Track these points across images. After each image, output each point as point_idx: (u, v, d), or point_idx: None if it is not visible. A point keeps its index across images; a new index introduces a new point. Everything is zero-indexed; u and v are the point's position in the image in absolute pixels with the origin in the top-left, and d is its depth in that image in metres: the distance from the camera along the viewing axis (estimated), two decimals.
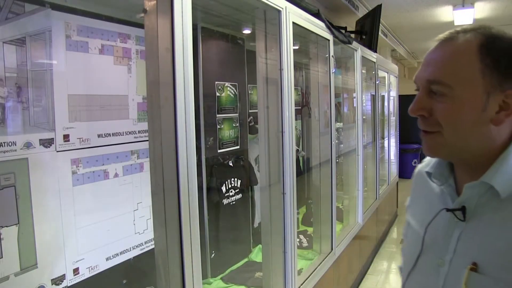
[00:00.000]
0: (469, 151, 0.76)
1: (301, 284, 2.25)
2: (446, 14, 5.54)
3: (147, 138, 1.83)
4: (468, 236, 0.76)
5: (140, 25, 1.41)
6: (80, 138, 1.63)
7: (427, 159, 0.94)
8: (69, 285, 1.61)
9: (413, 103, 0.76)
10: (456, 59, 0.73)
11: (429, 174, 0.86)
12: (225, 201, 2.68)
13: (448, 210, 0.78)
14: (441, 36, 0.77)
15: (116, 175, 1.81)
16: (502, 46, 0.72)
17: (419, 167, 0.98)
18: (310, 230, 3.37)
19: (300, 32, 2.32)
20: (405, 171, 8.31)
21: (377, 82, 4.45)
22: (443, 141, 0.75)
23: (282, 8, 1.97)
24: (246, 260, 2.85)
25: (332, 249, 2.83)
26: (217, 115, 2.57)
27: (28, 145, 1.43)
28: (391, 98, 5.73)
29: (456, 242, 0.77)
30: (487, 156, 0.75)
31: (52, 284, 1.54)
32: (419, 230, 0.86)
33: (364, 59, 3.75)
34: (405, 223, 1.12)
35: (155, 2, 1.18)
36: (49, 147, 1.51)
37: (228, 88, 2.67)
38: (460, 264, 0.75)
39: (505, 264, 0.69)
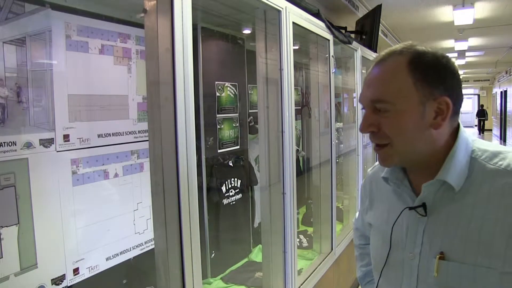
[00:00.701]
0: (417, 155, 0.85)
1: (301, 284, 2.25)
2: (446, 14, 5.54)
3: (147, 138, 1.83)
4: (431, 229, 0.85)
5: (140, 25, 1.41)
6: (80, 138, 1.63)
7: (377, 164, 1.03)
8: (69, 285, 1.61)
9: (362, 121, 0.85)
10: (391, 78, 0.83)
11: (385, 179, 0.95)
12: (225, 201, 2.68)
13: (410, 208, 0.87)
14: (377, 58, 0.88)
15: (116, 175, 1.81)
16: (426, 60, 0.82)
17: (372, 172, 1.08)
18: (310, 230, 3.37)
19: (300, 32, 2.32)
20: None
21: None
22: (394, 151, 0.84)
23: (282, 8, 1.97)
24: (246, 260, 2.85)
25: (332, 249, 2.83)
26: (217, 115, 2.57)
27: (28, 145, 1.43)
28: None
29: (422, 235, 0.86)
30: (434, 156, 0.85)
31: (52, 284, 1.54)
32: (385, 230, 0.94)
33: (364, 59, 3.75)
34: (357, 222, 1.21)
35: (155, 2, 1.18)
36: (49, 147, 1.51)
37: (228, 88, 2.67)
38: (428, 254, 0.84)
39: (467, 249, 0.79)
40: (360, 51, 3.58)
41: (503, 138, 15.21)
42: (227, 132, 2.66)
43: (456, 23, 5.59)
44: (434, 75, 0.82)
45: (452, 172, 0.82)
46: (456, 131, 0.87)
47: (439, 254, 0.82)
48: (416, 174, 0.90)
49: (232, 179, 2.74)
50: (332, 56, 2.78)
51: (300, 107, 3.95)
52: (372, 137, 0.86)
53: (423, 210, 0.85)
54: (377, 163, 1.04)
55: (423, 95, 0.81)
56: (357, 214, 1.21)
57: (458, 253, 0.80)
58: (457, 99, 0.84)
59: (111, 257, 1.80)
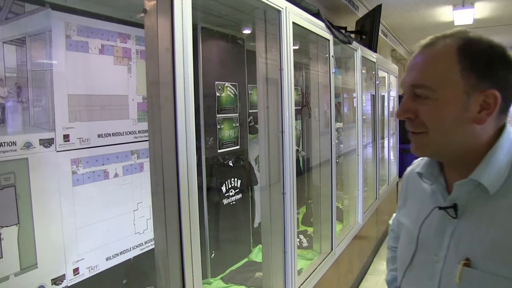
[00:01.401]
0: (454, 149, 0.79)
1: (301, 284, 2.25)
2: (446, 14, 5.55)
3: (147, 138, 1.83)
4: (460, 233, 0.79)
5: (140, 25, 1.41)
6: (80, 138, 1.63)
7: (417, 160, 0.98)
8: (69, 285, 1.61)
9: (399, 106, 0.81)
10: (437, 62, 0.77)
11: (420, 174, 0.90)
12: (225, 201, 2.68)
13: (440, 208, 0.82)
14: (423, 41, 0.82)
15: (116, 175, 1.81)
16: (478, 49, 0.76)
17: (410, 168, 1.02)
18: (310, 230, 3.37)
19: (300, 32, 2.32)
20: (405, 171, 8.29)
21: (377, 82, 4.45)
22: (429, 140, 0.79)
23: (282, 8, 1.97)
24: (246, 260, 2.85)
25: (332, 249, 2.83)
26: (217, 115, 2.57)
27: (28, 145, 1.43)
28: (391, 98, 5.73)
29: (449, 238, 0.80)
30: (474, 154, 0.78)
31: (52, 284, 1.54)
32: (413, 229, 0.89)
33: (364, 59, 3.75)
34: (393, 223, 1.17)
35: (155, 2, 1.18)
36: (49, 147, 1.51)
37: (228, 88, 2.67)
38: (453, 259, 0.78)
39: (494, 258, 0.73)
40: (360, 51, 3.58)
41: None
42: (227, 132, 2.66)
43: (456, 23, 5.58)
44: (484, 65, 0.75)
45: (488, 172, 0.76)
46: (501, 131, 0.79)
47: (464, 261, 0.76)
48: (452, 172, 0.84)
49: (232, 179, 2.74)
50: (332, 56, 2.78)
51: (300, 107, 3.95)
52: (408, 124, 0.81)
53: (454, 211, 0.80)
54: (417, 159, 0.99)
55: (469, 86, 0.74)
56: (394, 215, 1.16)
57: (484, 262, 0.74)
58: (509, 96, 0.76)
59: (111, 257, 1.80)
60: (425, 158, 0.91)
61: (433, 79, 0.76)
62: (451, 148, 0.79)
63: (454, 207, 0.80)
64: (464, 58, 0.75)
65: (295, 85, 2.37)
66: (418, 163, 0.96)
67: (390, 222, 1.19)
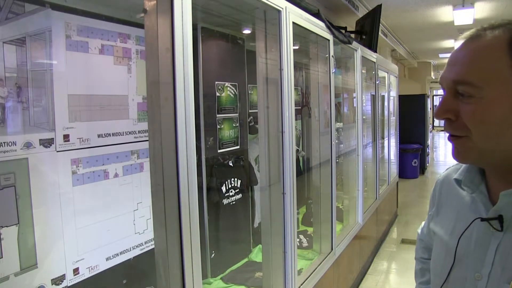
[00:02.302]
0: (501, 155, 0.71)
1: (301, 284, 2.25)
2: (446, 14, 5.54)
3: (147, 138, 1.83)
4: (507, 248, 0.71)
5: (140, 25, 1.41)
6: (80, 138, 1.63)
7: (454, 165, 0.91)
8: (69, 285, 1.61)
9: (439, 105, 0.72)
10: (484, 56, 0.68)
11: (458, 181, 0.81)
12: (225, 201, 2.68)
13: (482, 219, 0.74)
14: (467, 34, 0.72)
15: (116, 175, 1.81)
16: None
17: (445, 173, 0.94)
18: (310, 230, 3.37)
19: (300, 32, 2.32)
20: (405, 171, 8.32)
21: (377, 82, 4.45)
22: (472, 145, 0.70)
23: (282, 8, 1.97)
24: (246, 260, 2.85)
25: (332, 249, 2.83)
26: (217, 115, 2.57)
27: (28, 145, 1.43)
28: (391, 98, 5.73)
29: (493, 254, 0.73)
30: None
31: (52, 284, 1.54)
32: (449, 240, 0.82)
33: (364, 59, 3.75)
34: (422, 232, 1.07)
35: (155, 2, 1.18)
36: (49, 147, 1.51)
37: (228, 88, 2.67)
38: (500, 278, 0.71)
39: None
40: (360, 51, 3.58)
41: None
42: (227, 132, 2.66)
43: (456, 23, 5.58)
44: None
45: None
46: None
47: None
48: (496, 179, 0.76)
49: (232, 179, 2.74)
50: (332, 56, 2.78)
51: (300, 107, 3.95)
52: (448, 126, 0.72)
53: (499, 223, 0.72)
54: (453, 164, 0.91)
55: None
56: (423, 223, 1.07)
57: None
58: None
59: (111, 257, 1.80)
60: None
61: (479, 75, 0.67)
62: (497, 154, 0.70)
63: (499, 218, 0.72)
64: None
65: (295, 85, 2.37)
66: (455, 168, 0.89)
67: (419, 231, 1.10)
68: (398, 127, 6.29)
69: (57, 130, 1.54)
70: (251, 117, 2.94)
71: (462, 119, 0.69)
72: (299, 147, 3.87)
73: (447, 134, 0.75)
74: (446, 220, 0.86)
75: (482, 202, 0.77)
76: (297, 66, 3.64)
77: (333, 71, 2.82)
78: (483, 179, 0.78)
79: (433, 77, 11.91)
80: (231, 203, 2.74)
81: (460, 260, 0.78)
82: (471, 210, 0.79)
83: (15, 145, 1.39)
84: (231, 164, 2.72)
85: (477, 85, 0.67)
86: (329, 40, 2.72)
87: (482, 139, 0.69)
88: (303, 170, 3.80)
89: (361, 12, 4.79)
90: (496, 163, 0.73)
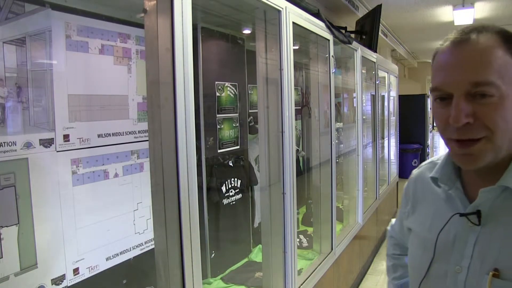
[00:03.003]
0: (503, 153, 0.72)
1: (301, 284, 2.25)
2: (446, 14, 5.55)
3: (147, 138, 1.83)
4: (485, 241, 0.74)
5: (140, 25, 1.41)
6: (80, 138, 1.63)
7: (426, 163, 0.93)
8: (69, 285, 1.61)
9: (455, 111, 0.69)
10: (491, 56, 0.69)
11: (434, 179, 0.84)
12: (225, 201, 2.68)
13: (461, 215, 0.76)
14: (454, 37, 0.73)
15: (116, 175, 1.81)
16: None
17: (417, 172, 0.96)
18: (310, 230, 3.37)
19: (300, 32, 2.32)
20: (405, 171, 8.30)
21: (377, 82, 4.45)
22: (491, 146, 0.70)
23: (282, 8, 1.97)
24: (246, 260, 2.85)
25: (332, 249, 2.83)
26: (217, 115, 2.57)
27: (28, 145, 1.43)
28: (391, 98, 5.73)
29: (472, 247, 0.75)
30: (505, 159, 0.73)
31: (52, 284, 1.54)
32: (428, 236, 0.84)
33: (364, 59, 3.75)
34: (392, 230, 1.11)
35: (155, 2, 1.18)
36: (49, 147, 1.51)
37: (228, 88, 2.67)
38: (479, 269, 0.74)
39: None
40: (360, 51, 3.58)
41: None
42: (227, 132, 2.66)
43: (456, 23, 5.58)
44: None
45: None
46: None
47: (492, 271, 0.71)
48: (474, 177, 0.78)
49: (232, 179, 2.74)
50: (332, 56, 2.78)
51: (300, 107, 3.95)
52: (464, 131, 0.70)
53: (477, 218, 0.74)
54: (424, 163, 0.95)
55: None
56: (393, 220, 1.11)
57: None
58: None
59: (111, 257, 1.80)
60: (438, 161, 0.86)
61: (498, 74, 0.69)
62: (504, 152, 0.72)
63: (478, 213, 0.74)
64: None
65: (295, 85, 2.37)
66: (428, 166, 0.91)
67: (389, 228, 1.14)
68: (398, 127, 6.29)
69: (57, 130, 1.54)
70: (251, 117, 2.94)
71: (480, 121, 0.69)
72: (299, 147, 3.87)
73: (454, 142, 0.73)
74: (423, 217, 0.89)
75: (459, 198, 0.80)
76: (297, 66, 3.64)
77: (333, 71, 2.82)
78: (458, 177, 0.81)
79: None
80: (231, 203, 2.74)
81: (440, 255, 0.81)
82: (448, 206, 0.82)
83: (15, 145, 1.39)
84: (231, 164, 2.73)
85: (498, 84, 0.68)
86: (329, 40, 2.72)
87: (501, 138, 0.70)
88: (303, 170, 3.80)
89: (361, 12, 4.80)
90: (494, 161, 0.74)
